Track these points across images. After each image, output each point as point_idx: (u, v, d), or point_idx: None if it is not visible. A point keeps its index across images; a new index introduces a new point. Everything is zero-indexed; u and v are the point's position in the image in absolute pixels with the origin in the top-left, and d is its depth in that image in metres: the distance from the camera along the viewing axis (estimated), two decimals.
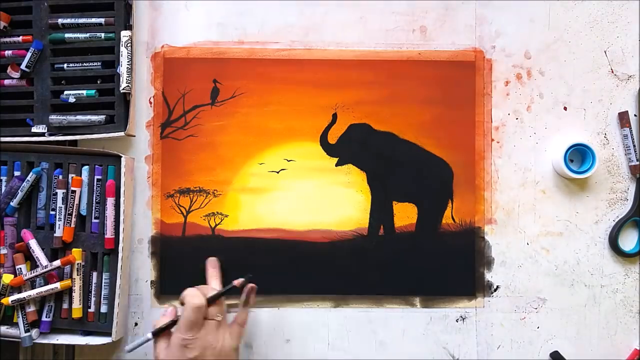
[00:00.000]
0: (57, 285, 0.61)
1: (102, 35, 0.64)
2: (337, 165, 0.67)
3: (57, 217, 0.62)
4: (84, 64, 0.64)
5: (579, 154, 0.67)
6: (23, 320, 0.61)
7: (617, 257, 0.67)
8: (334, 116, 0.67)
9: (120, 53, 0.63)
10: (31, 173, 0.63)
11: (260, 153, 0.67)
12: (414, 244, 0.66)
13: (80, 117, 0.63)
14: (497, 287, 0.67)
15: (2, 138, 0.63)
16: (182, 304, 0.56)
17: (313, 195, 0.67)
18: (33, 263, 0.62)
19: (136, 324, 0.66)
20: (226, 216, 0.66)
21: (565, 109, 0.68)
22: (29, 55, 0.63)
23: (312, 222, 0.66)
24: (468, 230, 0.67)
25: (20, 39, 0.64)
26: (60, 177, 0.63)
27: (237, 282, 0.59)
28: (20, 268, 0.62)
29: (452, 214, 0.67)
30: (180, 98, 0.67)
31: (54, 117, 0.63)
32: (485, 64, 0.67)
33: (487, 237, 0.67)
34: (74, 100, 0.64)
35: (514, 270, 0.67)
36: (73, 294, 0.62)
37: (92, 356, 0.65)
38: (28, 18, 0.64)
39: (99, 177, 0.63)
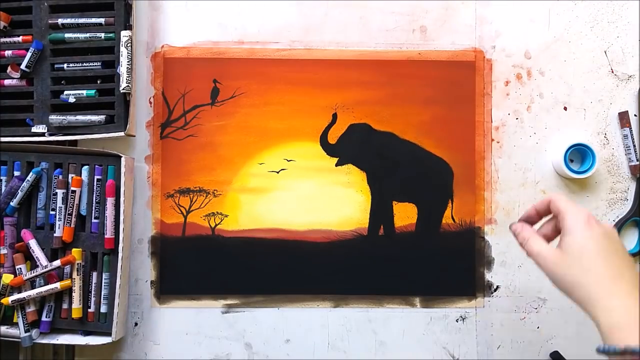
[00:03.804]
0: (57, 285, 0.61)
1: (102, 35, 0.64)
2: (337, 165, 0.67)
3: (57, 217, 0.62)
4: (84, 64, 0.64)
5: (579, 154, 0.67)
6: (23, 320, 0.61)
7: None
8: (334, 116, 0.67)
9: (120, 53, 0.63)
10: (31, 173, 0.62)
11: (260, 153, 0.67)
12: (414, 244, 0.66)
13: (80, 117, 0.63)
14: (497, 287, 0.67)
15: (2, 138, 0.63)
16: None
17: (313, 195, 0.67)
18: (33, 263, 0.62)
19: (136, 324, 0.66)
20: (226, 216, 0.66)
21: (565, 109, 0.68)
22: (29, 55, 0.63)
23: (312, 222, 0.66)
24: (468, 230, 0.67)
25: (20, 39, 0.64)
26: (60, 177, 0.63)
27: None
28: (20, 268, 0.62)
29: (452, 214, 0.67)
30: (180, 98, 0.67)
31: (54, 117, 0.63)
32: (485, 64, 0.67)
33: (487, 237, 0.67)
34: (74, 100, 0.64)
35: (514, 270, 0.67)
36: (73, 294, 0.62)
37: (92, 356, 0.65)
38: (28, 18, 0.64)
39: (99, 177, 0.63)
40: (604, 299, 0.46)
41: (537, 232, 0.51)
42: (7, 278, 0.61)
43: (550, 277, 0.49)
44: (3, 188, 0.64)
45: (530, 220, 0.53)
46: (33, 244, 0.62)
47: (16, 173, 0.64)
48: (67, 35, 0.64)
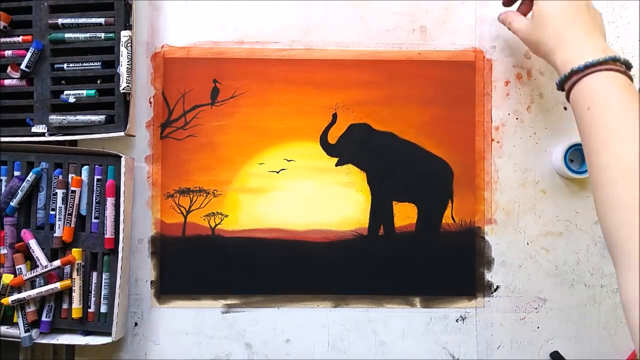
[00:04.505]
0: (57, 285, 0.61)
1: (102, 35, 0.64)
2: (337, 165, 0.67)
3: (57, 217, 0.62)
4: (84, 64, 0.64)
5: (579, 154, 0.67)
6: (23, 320, 0.61)
7: None
8: (334, 116, 0.67)
9: (120, 53, 0.63)
10: (31, 173, 0.63)
11: (260, 153, 0.67)
12: (414, 244, 0.66)
13: (80, 117, 0.63)
14: (497, 287, 0.67)
15: (2, 138, 0.63)
16: None
17: (313, 195, 0.67)
18: (33, 263, 0.62)
19: (136, 324, 0.66)
20: (226, 216, 0.66)
21: (565, 109, 0.68)
22: (29, 55, 0.63)
23: (312, 222, 0.66)
24: (468, 230, 0.67)
25: (20, 39, 0.64)
26: (60, 177, 0.63)
27: None
28: (20, 268, 0.62)
29: (452, 214, 0.67)
30: (180, 98, 0.67)
31: (54, 117, 0.63)
32: (485, 64, 0.67)
33: (487, 237, 0.67)
34: (74, 100, 0.64)
35: (514, 270, 0.67)
36: (73, 294, 0.62)
37: (92, 356, 0.65)
38: (28, 18, 0.64)
39: (99, 177, 0.63)
40: (559, 44, 0.53)
41: (517, 10, 0.62)
42: (7, 278, 0.61)
43: (527, 46, 0.59)
44: (3, 188, 0.64)
45: (511, 3, 0.63)
46: (33, 244, 0.62)
47: (16, 173, 0.64)
48: (67, 35, 0.64)
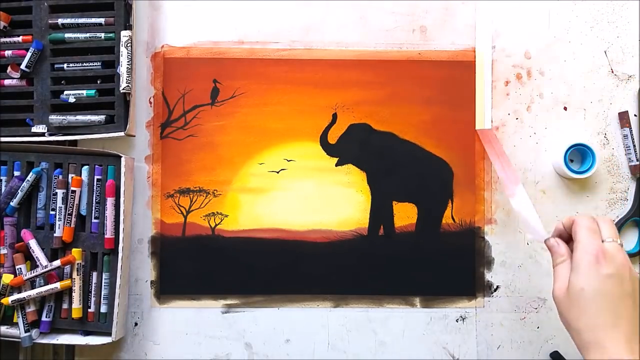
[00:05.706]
0: (57, 285, 0.61)
1: (102, 35, 0.64)
2: (337, 165, 0.67)
3: (57, 217, 0.62)
4: (84, 64, 0.64)
5: (579, 154, 0.67)
6: (23, 320, 0.61)
7: None
8: (334, 116, 0.67)
9: (120, 53, 0.63)
10: (31, 173, 0.63)
11: (260, 153, 0.67)
12: (414, 244, 0.66)
13: (80, 117, 0.63)
14: (497, 287, 0.67)
15: (2, 138, 0.63)
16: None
17: (313, 195, 0.67)
18: (33, 263, 0.62)
19: (136, 324, 0.66)
20: (226, 216, 0.66)
21: (565, 109, 0.68)
22: (29, 55, 0.63)
23: (312, 222, 0.66)
24: (468, 230, 0.67)
25: (20, 39, 0.64)
26: (60, 177, 0.63)
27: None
28: (20, 268, 0.62)
29: (452, 214, 0.67)
30: (180, 98, 0.67)
31: (54, 117, 0.63)
32: None
33: (487, 237, 0.67)
34: (74, 100, 0.64)
35: (514, 270, 0.67)
36: (73, 294, 0.62)
37: (92, 356, 0.65)
38: (28, 18, 0.64)
39: (99, 177, 0.63)
40: (595, 343, 0.44)
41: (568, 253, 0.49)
42: (7, 278, 0.61)
43: (559, 315, 0.48)
44: (3, 188, 0.64)
45: (561, 236, 0.52)
46: (33, 244, 0.62)
47: (16, 173, 0.64)
48: (67, 35, 0.64)
